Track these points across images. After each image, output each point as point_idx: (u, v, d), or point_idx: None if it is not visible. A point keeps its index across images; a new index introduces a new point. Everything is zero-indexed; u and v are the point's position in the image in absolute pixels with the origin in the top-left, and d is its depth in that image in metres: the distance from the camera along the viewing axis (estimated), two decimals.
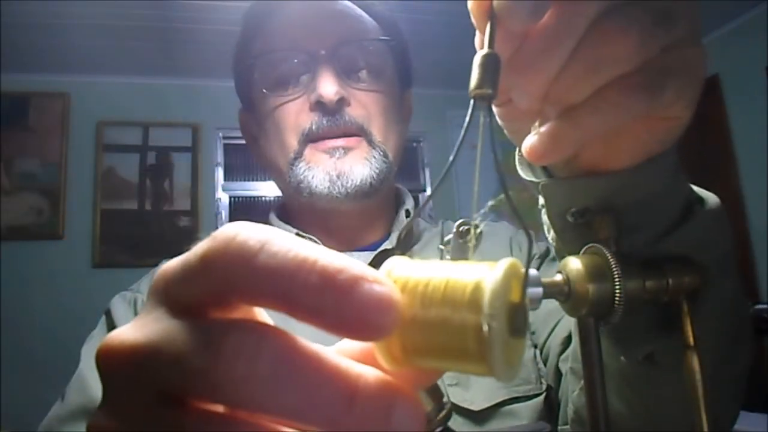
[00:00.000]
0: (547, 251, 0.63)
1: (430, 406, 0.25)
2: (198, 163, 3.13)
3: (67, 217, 2.91)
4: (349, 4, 0.65)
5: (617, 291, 0.29)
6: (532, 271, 0.27)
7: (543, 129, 0.26)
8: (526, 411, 0.53)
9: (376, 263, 0.39)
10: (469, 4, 0.23)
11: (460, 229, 0.28)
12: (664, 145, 0.29)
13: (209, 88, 2.94)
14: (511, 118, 0.31)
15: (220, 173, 3.20)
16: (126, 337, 0.18)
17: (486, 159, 0.21)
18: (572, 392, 0.45)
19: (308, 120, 0.59)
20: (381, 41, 0.64)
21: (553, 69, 0.24)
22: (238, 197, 3.26)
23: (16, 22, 2.42)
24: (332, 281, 0.15)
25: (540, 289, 0.28)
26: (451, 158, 0.20)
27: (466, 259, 0.26)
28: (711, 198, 0.34)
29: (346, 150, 0.59)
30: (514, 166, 0.36)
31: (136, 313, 0.56)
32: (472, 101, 0.20)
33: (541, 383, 0.55)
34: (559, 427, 0.52)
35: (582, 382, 0.36)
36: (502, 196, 0.20)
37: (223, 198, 3.20)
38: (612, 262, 0.29)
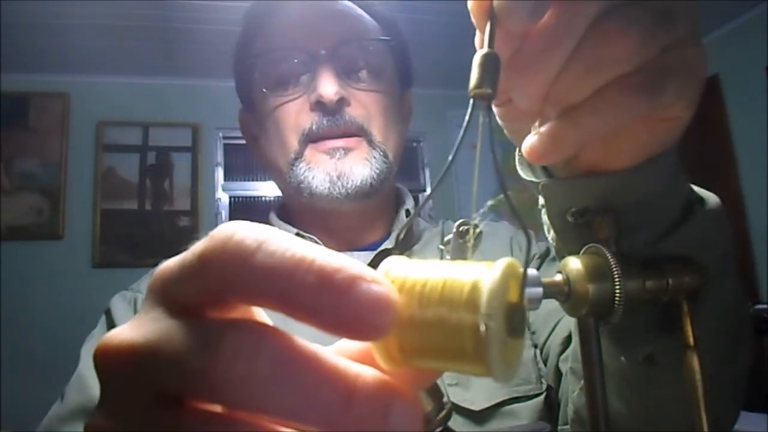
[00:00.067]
0: (547, 251, 0.63)
1: (430, 406, 0.25)
2: (198, 163, 3.13)
3: (67, 217, 2.91)
4: (349, 4, 0.65)
5: (617, 291, 0.29)
6: (532, 271, 0.27)
7: (543, 129, 0.26)
8: (526, 411, 0.53)
9: (375, 263, 0.39)
10: (469, 4, 0.23)
11: (460, 229, 0.28)
12: (664, 145, 0.29)
13: (209, 88, 2.94)
14: (511, 118, 0.30)
15: (220, 173, 3.20)
16: (124, 337, 0.18)
17: (486, 159, 0.21)
18: (572, 392, 0.45)
19: (308, 120, 0.59)
20: (381, 41, 0.64)
21: (553, 69, 0.24)
22: (238, 197, 3.25)
23: (16, 22, 2.42)
24: (330, 281, 0.15)
25: (540, 289, 0.28)
26: (450, 158, 0.20)
27: (466, 259, 0.26)
28: (711, 198, 0.34)
29: (347, 150, 0.59)
30: (514, 166, 0.36)
31: (136, 313, 0.56)
32: (471, 101, 0.20)
33: (541, 383, 0.55)
34: (559, 427, 0.52)
35: (582, 382, 0.36)
36: (502, 196, 0.20)
37: (223, 198, 3.20)
38: (612, 262, 0.29)
